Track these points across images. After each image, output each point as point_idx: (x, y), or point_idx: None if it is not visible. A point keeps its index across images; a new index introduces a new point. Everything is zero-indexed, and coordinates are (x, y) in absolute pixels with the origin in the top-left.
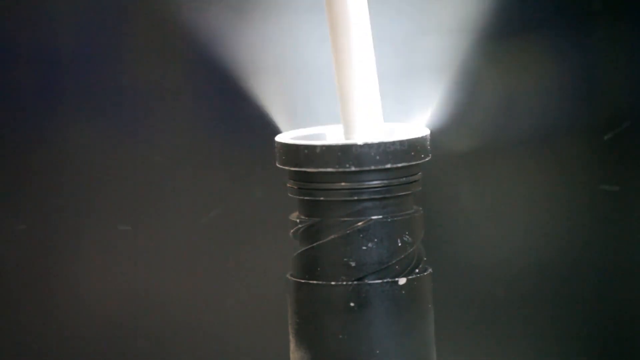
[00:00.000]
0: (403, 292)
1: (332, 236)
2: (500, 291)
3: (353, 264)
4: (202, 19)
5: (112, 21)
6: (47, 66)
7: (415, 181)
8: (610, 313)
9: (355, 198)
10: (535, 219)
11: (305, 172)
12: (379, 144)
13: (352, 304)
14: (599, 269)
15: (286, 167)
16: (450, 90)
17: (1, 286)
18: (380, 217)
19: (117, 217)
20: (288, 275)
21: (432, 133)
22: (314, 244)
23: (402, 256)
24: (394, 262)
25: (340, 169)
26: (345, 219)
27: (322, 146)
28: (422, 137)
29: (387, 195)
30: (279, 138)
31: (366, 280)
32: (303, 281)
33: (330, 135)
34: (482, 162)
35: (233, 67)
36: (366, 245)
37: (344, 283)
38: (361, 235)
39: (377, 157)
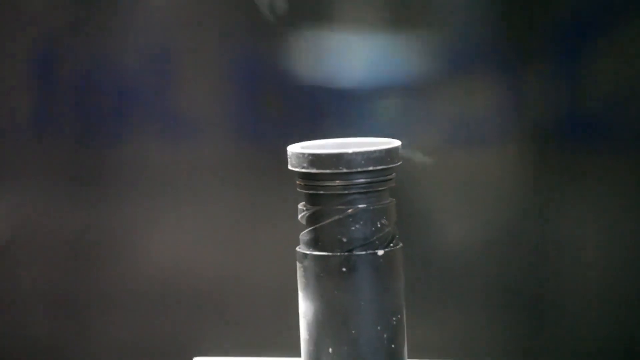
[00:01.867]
0: (381, 260)
1: (329, 220)
2: (457, 265)
3: (345, 239)
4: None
5: (162, 62)
6: (122, 96)
7: (390, 179)
8: (545, 287)
9: (346, 192)
10: (481, 204)
11: (309, 172)
12: (364, 152)
13: (344, 269)
14: (532, 249)
15: (295, 169)
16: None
17: (85, 249)
18: (365, 205)
19: (167, 204)
20: (297, 248)
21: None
22: (316, 225)
23: (381, 234)
24: (374, 238)
25: (336, 171)
26: (339, 207)
27: (322, 154)
28: (395, 147)
29: (370, 190)
30: (290, 148)
31: (354, 252)
32: (308, 252)
33: (329, 146)
34: (447, 164)
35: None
36: (354, 226)
37: (338, 254)
38: (350, 219)
39: (363, 162)
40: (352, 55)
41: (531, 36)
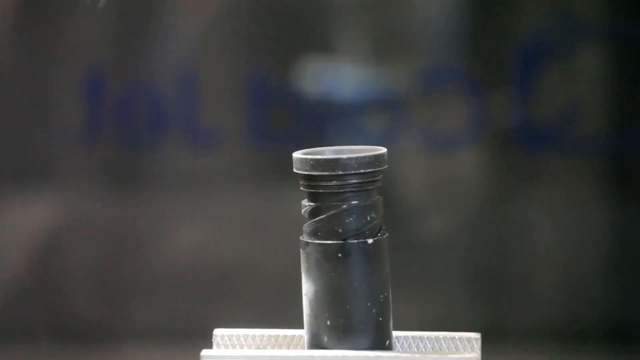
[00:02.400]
0: (371, 247)
1: (328, 214)
2: (434, 250)
3: (340, 230)
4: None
5: (188, 82)
6: (155, 110)
7: (378, 180)
8: (511, 272)
9: (342, 190)
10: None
11: (311, 174)
12: (356, 157)
13: (339, 255)
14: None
15: (299, 172)
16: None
17: (121, 239)
18: (357, 202)
19: (191, 201)
20: (301, 238)
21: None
22: (316, 219)
23: (370, 226)
24: (365, 229)
25: (333, 173)
26: (336, 203)
27: (322, 159)
28: (382, 153)
29: (361, 189)
30: (295, 154)
31: (348, 240)
32: (310, 241)
33: (327, 152)
34: (425, 166)
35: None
36: (348, 219)
37: (335, 242)
38: (345, 213)
39: (355, 165)
40: (346, 77)
41: (492, 62)
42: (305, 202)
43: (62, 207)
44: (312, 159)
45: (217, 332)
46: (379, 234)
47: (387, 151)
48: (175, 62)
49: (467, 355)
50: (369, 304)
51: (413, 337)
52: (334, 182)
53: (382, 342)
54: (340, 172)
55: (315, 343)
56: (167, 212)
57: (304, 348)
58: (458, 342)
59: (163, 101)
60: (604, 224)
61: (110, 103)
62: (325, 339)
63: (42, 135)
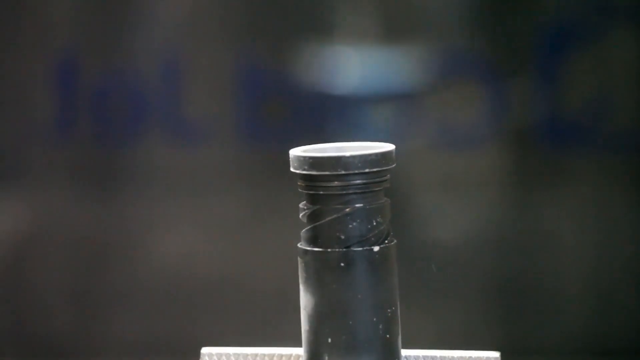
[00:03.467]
0: (377, 256)
1: (329, 218)
2: (448, 260)
3: (343, 236)
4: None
5: (171, 71)
6: (134, 103)
7: (385, 180)
8: (513, 281)
9: (344, 192)
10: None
11: (310, 174)
12: (361, 155)
13: (342, 264)
14: (514, 245)
15: (297, 171)
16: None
17: (98, 246)
18: (362, 205)
19: (176, 204)
20: (299, 245)
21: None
22: (316, 223)
23: (376, 232)
24: (370, 235)
25: (334, 172)
26: (337, 206)
27: (322, 157)
28: (389, 151)
29: (366, 190)
30: (292, 151)
31: (352, 248)
32: (309, 248)
33: (328, 149)
34: (437, 166)
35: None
36: (352, 224)
37: (337, 250)
38: (348, 217)
39: (359, 164)
40: (349, 65)
41: (514, 47)
42: (303, 204)
43: (32, 210)
44: (311, 157)
45: (205, 350)
46: (386, 241)
47: (395, 148)
48: (157, 48)
49: None
50: (374, 318)
51: (424, 357)
52: (336, 182)
53: None
54: (343, 172)
55: None
56: (149, 216)
57: None
58: None
59: (144, 92)
60: (636, 230)
61: (85, 94)
62: (326, 358)
63: (9, 130)
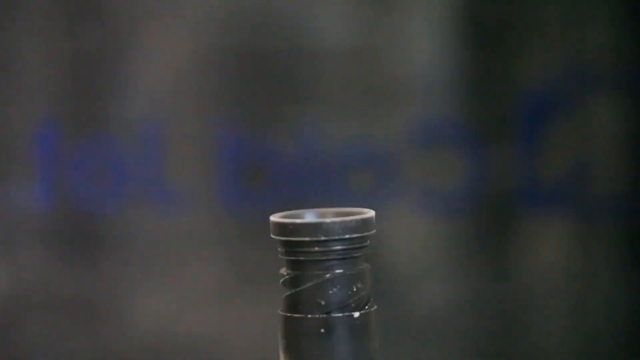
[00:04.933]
0: (357, 322)
1: (309, 284)
2: (430, 325)
3: (323, 302)
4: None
5: (154, 136)
6: (116, 169)
7: (365, 246)
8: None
9: (325, 258)
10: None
11: (290, 240)
12: (341, 221)
13: (322, 330)
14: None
15: (277, 237)
16: None
17: (80, 309)
18: (342, 271)
19: (157, 268)
20: (279, 311)
21: None
22: (297, 289)
23: (356, 297)
24: (350, 301)
25: (314, 238)
26: (318, 272)
27: (301, 223)
28: (370, 217)
29: (346, 256)
30: (272, 217)
31: (332, 314)
32: (289, 314)
33: (309, 215)
34: (417, 232)
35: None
36: (332, 290)
37: (317, 316)
38: (328, 283)
39: (340, 230)
40: (329, 132)
41: (494, 114)
42: (283, 270)
43: (13, 273)
44: (291, 223)
45: None
46: (367, 307)
47: (376, 214)
48: (138, 116)
49: None
50: None
51: None
52: (316, 248)
53: None
54: (323, 238)
55: None
56: (130, 282)
57: None
58: None
59: (125, 160)
60: (616, 295)
61: (65, 162)
62: None
63: None
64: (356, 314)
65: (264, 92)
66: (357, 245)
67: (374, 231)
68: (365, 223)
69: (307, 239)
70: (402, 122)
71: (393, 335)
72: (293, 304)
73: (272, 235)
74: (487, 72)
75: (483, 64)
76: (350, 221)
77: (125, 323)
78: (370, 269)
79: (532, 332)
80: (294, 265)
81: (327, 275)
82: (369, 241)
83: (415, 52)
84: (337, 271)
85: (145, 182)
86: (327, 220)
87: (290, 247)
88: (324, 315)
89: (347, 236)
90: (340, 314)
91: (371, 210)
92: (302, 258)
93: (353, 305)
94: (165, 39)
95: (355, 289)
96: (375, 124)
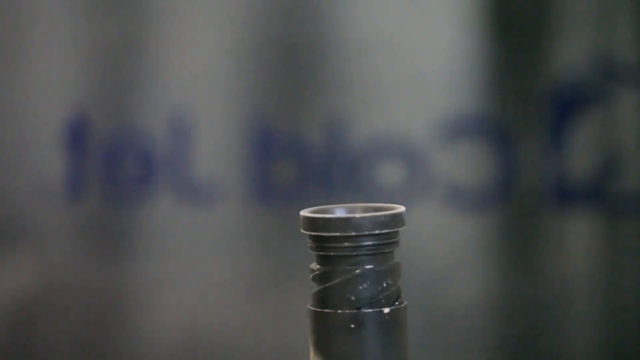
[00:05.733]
0: (387, 318)
1: (339, 279)
2: (458, 320)
3: (353, 298)
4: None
5: (183, 130)
6: (146, 163)
7: (395, 242)
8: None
9: (355, 253)
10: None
11: (320, 235)
12: (371, 217)
13: (352, 326)
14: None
15: (308, 232)
16: None
17: (108, 305)
18: (372, 266)
19: (186, 263)
20: (309, 306)
21: None
22: (327, 285)
23: (386, 293)
24: (380, 297)
25: (344, 234)
26: (348, 267)
27: (332, 218)
28: (400, 212)
29: (376, 252)
30: (303, 212)
31: (362, 310)
32: (319, 310)
33: (338, 211)
34: (445, 228)
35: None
36: (362, 286)
37: (347, 311)
38: (358, 279)
39: (370, 226)
40: (360, 125)
41: (522, 109)
42: (314, 265)
43: (40, 271)
44: (321, 218)
45: None
46: (397, 303)
47: (405, 210)
48: (168, 108)
49: None
50: None
51: None
52: (346, 244)
53: None
54: (353, 233)
55: None
56: (158, 277)
57: None
58: None
59: (154, 152)
60: None
61: (94, 153)
62: None
63: (18, 189)
64: (386, 310)
65: (294, 84)
66: (387, 241)
67: (404, 227)
68: (394, 219)
69: (337, 234)
70: (430, 115)
71: (421, 331)
72: (323, 299)
73: (302, 230)
74: (515, 66)
75: (511, 58)
76: (380, 217)
77: (155, 317)
78: (400, 265)
79: (561, 329)
80: (324, 260)
81: (357, 271)
82: (398, 237)
83: (443, 46)
84: (367, 267)
85: (175, 175)
86: (357, 215)
87: (320, 242)
88: (354, 311)
89: (376, 232)
90: (370, 310)
91: (401, 206)
92: (332, 253)
93: (383, 301)
94: (196, 29)
95: (385, 285)
96: (403, 117)
